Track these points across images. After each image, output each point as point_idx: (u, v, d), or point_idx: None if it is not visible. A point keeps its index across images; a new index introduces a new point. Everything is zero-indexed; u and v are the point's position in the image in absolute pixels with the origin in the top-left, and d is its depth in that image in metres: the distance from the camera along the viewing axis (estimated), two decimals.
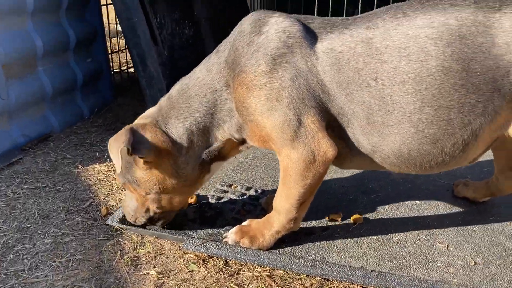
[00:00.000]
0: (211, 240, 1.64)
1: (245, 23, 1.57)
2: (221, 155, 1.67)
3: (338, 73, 1.45)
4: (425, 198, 1.97)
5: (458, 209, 1.88)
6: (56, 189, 2.11)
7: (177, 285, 1.49)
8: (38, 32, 2.62)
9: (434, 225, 1.77)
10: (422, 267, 1.52)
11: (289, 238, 1.66)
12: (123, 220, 1.78)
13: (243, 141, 1.65)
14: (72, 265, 1.58)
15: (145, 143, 1.56)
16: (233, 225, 1.70)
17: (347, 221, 1.80)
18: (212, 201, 1.96)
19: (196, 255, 1.62)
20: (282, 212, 1.59)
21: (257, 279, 1.51)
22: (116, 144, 1.52)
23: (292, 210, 1.57)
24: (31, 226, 1.80)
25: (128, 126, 1.58)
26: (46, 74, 2.71)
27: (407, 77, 1.40)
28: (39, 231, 1.77)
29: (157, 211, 1.69)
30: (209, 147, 1.63)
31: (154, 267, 1.58)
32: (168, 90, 1.70)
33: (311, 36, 1.50)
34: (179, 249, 1.66)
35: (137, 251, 1.66)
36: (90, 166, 2.33)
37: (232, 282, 1.50)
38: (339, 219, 1.81)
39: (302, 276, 1.52)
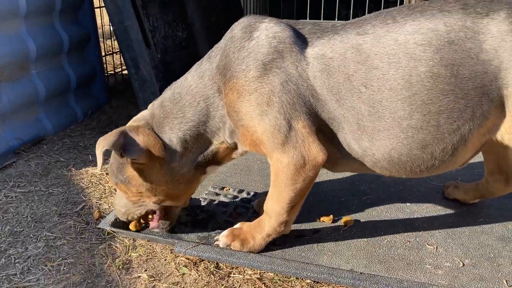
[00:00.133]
0: (202, 243, 1.65)
1: (236, 29, 1.58)
2: (215, 160, 1.68)
3: (329, 79, 1.47)
4: (416, 200, 1.98)
5: (448, 211, 1.90)
6: (49, 192, 2.11)
7: None
8: (31, 35, 2.63)
9: (424, 227, 1.78)
10: (411, 269, 1.54)
11: (280, 241, 1.68)
12: (115, 224, 1.79)
13: (236, 146, 1.66)
14: (63, 269, 1.59)
15: (137, 145, 1.57)
16: (225, 228, 1.71)
17: (338, 223, 1.82)
18: (204, 204, 1.97)
19: (188, 258, 1.63)
20: (273, 215, 1.60)
21: (247, 281, 1.53)
22: (103, 143, 1.53)
23: (283, 213, 1.59)
24: (23, 230, 1.81)
25: (121, 128, 1.59)
26: (40, 77, 2.71)
27: (397, 83, 1.42)
28: (31, 235, 1.78)
29: (156, 207, 1.70)
30: (203, 152, 1.64)
31: (146, 270, 1.59)
32: (161, 93, 1.71)
33: (302, 42, 1.51)
34: (171, 252, 1.67)
35: (129, 254, 1.67)
36: (83, 169, 2.34)
37: (223, 285, 1.51)
38: (330, 222, 1.82)
39: (292, 278, 1.53)
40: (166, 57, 2.71)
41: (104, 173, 2.29)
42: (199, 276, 1.55)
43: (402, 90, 1.42)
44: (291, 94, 1.47)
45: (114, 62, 4.03)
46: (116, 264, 1.61)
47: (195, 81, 1.62)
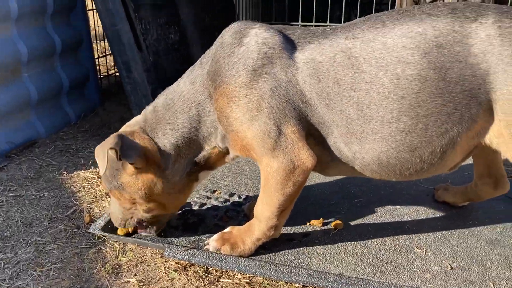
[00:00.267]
0: (192, 248, 1.65)
1: (226, 34, 1.59)
2: (208, 165, 1.69)
3: (318, 83, 1.47)
4: (406, 203, 1.99)
5: (438, 214, 1.91)
6: (40, 196, 2.11)
7: None
8: (23, 38, 2.62)
9: (413, 230, 1.79)
10: (400, 272, 1.54)
11: (270, 245, 1.68)
12: (105, 228, 1.79)
13: (228, 151, 1.67)
14: (53, 274, 1.59)
15: (136, 149, 1.57)
16: (215, 232, 1.72)
17: (328, 226, 1.82)
18: (195, 207, 1.97)
19: (177, 263, 1.63)
20: (263, 219, 1.61)
21: (237, 286, 1.53)
22: (103, 148, 1.53)
23: (273, 218, 1.60)
24: (13, 235, 1.81)
25: (117, 133, 1.59)
26: (31, 80, 2.71)
27: (385, 87, 1.43)
28: (21, 240, 1.78)
29: (146, 216, 1.70)
30: (196, 157, 1.65)
31: (135, 275, 1.59)
32: (153, 96, 1.72)
33: (292, 47, 1.52)
34: (161, 257, 1.67)
35: (119, 259, 1.67)
36: (75, 173, 2.34)
37: None
38: (320, 225, 1.83)
39: (281, 282, 1.54)
40: (158, 60, 2.71)
41: (96, 177, 2.29)
42: (188, 280, 1.55)
43: (390, 94, 1.43)
44: (280, 100, 1.48)
45: (107, 64, 4.03)
46: (106, 269, 1.61)
47: (187, 87, 1.63)
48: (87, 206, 2.03)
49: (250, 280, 1.55)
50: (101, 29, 4.61)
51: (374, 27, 1.48)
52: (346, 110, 1.47)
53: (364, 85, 1.44)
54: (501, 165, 1.80)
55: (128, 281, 1.56)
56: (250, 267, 1.54)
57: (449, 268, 1.57)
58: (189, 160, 1.64)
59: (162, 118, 1.62)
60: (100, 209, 2.01)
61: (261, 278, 1.56)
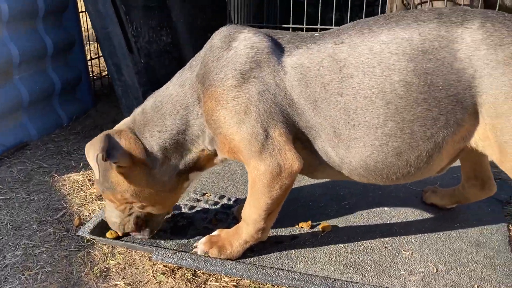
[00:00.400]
0: (180, 251, 1.66)
1: (215, 38, 1.60)
2: (197, 166, 1.70)
3: (306, 88, 1.49)
4: (394, 205, 2.01)
5: (426, 216, 1.92)
6: (30, 199, 2.11)
7: None
8: (14, 40, 2.62)
9: (400, 232, 1.80)
10: (386, 275, 1.56)
11: (258, 247, 1.69)
12: (94, 231, 1.79)
13: (217, 153, 1.68)
14: (41, 278, 1.59)
15: (120, 149, 1.58)
16: (204, 235, 1.72)
17: (316, 229, 1.83)
18: (185, 210, 1.98)
19: (165, 266, 1.64)
20: (250, 222, 1.62)
21: None
22: (92, 151, 1.55)
23: (260, 220, 1.61)
24: (2, 238, 1.81)
25: (105, 132, 1.61)
26: (23, 82, 2.71)
27: (371, 92, 1.44)
28: (10, 243, 1.78)
29: (140, 215, 1.71)
30: (184, 159, 1.66)
31: (123, 278, 1.59)
32: (144, 98, 1.73)
33: (280, 52, 1.53)
34: (149, 260, 1.68)
35: (107, 262, 1.68)
36: (66, 175, 2.34)
37: None
38: (308, 227, 1.84)
39: (268, 285, 1.55)
40: (150, 62, 2.72)
41: (86, 179, 2.30)
42: (176, 283, 1.56)
43: (377, 99, 1.44)
44: (268, 103, 1.49)
45: (100, 66, 4.03)
46: (94, 272, 1.62)
47: (176, 89, 1.64)
48: (77, 209, 2.03)
49: (237, 283, 1.56)
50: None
51: (361, 32, 1.49)
52: (334, 114, 1.48)
53: (351, 90, 1.46)
54: (487, 167, 1.82)
55: (116, 284, 1.56)
56: (237, 270, 1.55)
57: (435, 271, 1.58)
58: (177, 162, 1.65)
59: (151, 120, 1.63)
60: (90, 212, 2.01)
61: (248, 281, 1.56)
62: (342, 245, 1.72)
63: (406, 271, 1.58)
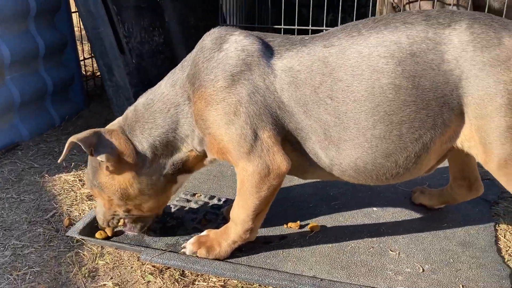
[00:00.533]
0: (168, 251, 1.67)
1: (207, 39, 1.62)
2: (186, 168, 1.71)
3: (296, 91, 1.50)
4: (383, 205, 2.02)
5: (414, 216, 1.94)
6: (21, 199, 2.11)
7: None
8: (5, 41, 2.62)
9: (388, 232, 1.82)
10: (372, 275, 1.57)
11: (246, 247, 1.70)
12: (83, 231, 1.80)
13: (206, 154, 1.69)
14: (29, 278, 1.60)
15: (108, 147, 1.60)
16: (193, 235, 1.73)
17: (305, 229, 1.84)
18: (174, 210, 1.98)
19: (154, 266, 1.65)
20: (239, 222, 1.63)
21: None
22: (72, 138, 1.58)
23: (248, 221, 1.62)
24: None
25: (96, 129, 1.64)
26: (14, 83, 2.71)
27: (360, 95, 1.45)
28: None
29: (126, 215, 1.72)
30: (173, 159, 1.67)
31: (111, 278, 1.60)
32: (135, 98, 1.74)
33: (271, 54, 1.54)
34: (138, 260, 1.69)
35: (96, 262, 1.68)
36: (57, 175, 2.34)
37: None
38: (297, 227, 1.85)
39: (255, 285, 1.55)
40: (141, 63, 2.72)
41: (77, 180, 2.30)
42: (164, 284, 1.57)
43: (366, 102, 1.46)
44: (257, 105, 1.50)
45: (93, 66, 4.03)
46: (82, 272, 1.62)
47: (167, 89, 1.65)
48: (67, 209, 2.04)
49: (224, 283, 1.57)
50: None
51: (350, 35, 1.50)
52: (324, 117, 1.49)
53: (340, 93, 1.47)
54: (475, 168, 1.84)
55: (104, 285, 1.57)
56: (225, 270, 1.56)
57: (421, 271, 1.59)
58: (166, 161, 1.66)
59: (141, 117, 1.65)
60: (80, 212, 2.02)
61: (235, 281, 1.57)
62: (330, 245, 1.73)
63: (392, 271, 1.59)
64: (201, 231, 1.76)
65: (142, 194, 1.67)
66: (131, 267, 1.65)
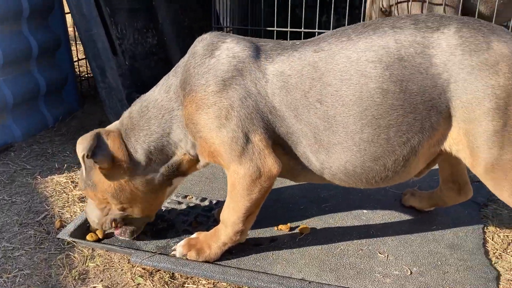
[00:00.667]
0: (159, 253, 1.68)
1: (199, 45, 1.63)
2: (180, 171, 1.72)
3: (287, 96, 1.52)
4: (373, 207, 2.03)
5: (403, 218, 1.95)
6: (12, 201, 2.12)
7: None
8: None
9: (378, 234, 1.83)
10: (360, 277, 1.58)
11: (236, 249, 1.71)
12: (74, 233, 1.80)
13: (198, 158, 1.70)
14: (19, 280, 1.60)
15: (103, 149, 1.63)
16: (184, 238, 1.74)
17: (295, 231, 1.85)
18: (166, 213, 1.99)
19: (144, 268, 1.65)
20: (229, 224, 1.64)
21: None
22: (81, 149, 1.60)
23: (239, 223, 1.63)
24: None
25: (96, 131, 1.66)
26: (7, 83, 2.70)
27: (349, 99, 1.47)
28: None
29: (120, 214, 1.73)
30: (167, 163, 1.68)
31: (102, 280, 1.61)
32: (128, 100, 1.75)
33: (262, 60, 1.56)
34: (128, 262, 1.69)
35: (86, 264, 1.69)
36: (49, 177, 2.34)
37: None
38: (287, 230, 1.86)
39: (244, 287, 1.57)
40: (135, 64, 2.72)
41: (69, 181, 2.30)
42: (153, 286, 1.57)
43: (354, 106, 1.47)
44: (249, 109, 1.52)
45: (87, 67, 4.02)
46: (73, 275, 1.63)
47: (161, 95, 1.67)
48: (59, 211, 2.04)
49: (214, 286, 1.58)
50: None
51: (339, 40, 1.52)
52: (314, 121, 1.51)
53: (329, 98, 1.49)
54: (464, 171, 1.85)
55: (94, 287, 1.57)
56: (214, 273, 1.57)
57: (409, 273, 1.61)
58: (161, 165, 1.67)
59: (137, 125, 1.67)
60: (72, 214, 2.02)
61: (225, 283, 1.58)
62: (319, 248, 1.74)
63: (380, 273, 1.60)
64: (192, 233, 1.77)
65: (136, 195, 1.69)
66: (121, 270, 1.66)
